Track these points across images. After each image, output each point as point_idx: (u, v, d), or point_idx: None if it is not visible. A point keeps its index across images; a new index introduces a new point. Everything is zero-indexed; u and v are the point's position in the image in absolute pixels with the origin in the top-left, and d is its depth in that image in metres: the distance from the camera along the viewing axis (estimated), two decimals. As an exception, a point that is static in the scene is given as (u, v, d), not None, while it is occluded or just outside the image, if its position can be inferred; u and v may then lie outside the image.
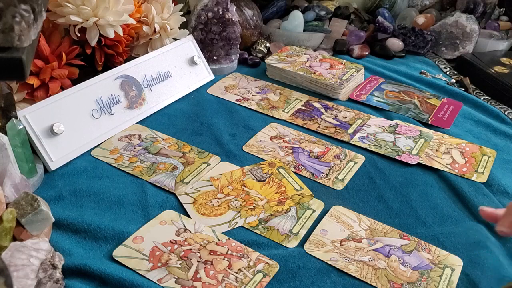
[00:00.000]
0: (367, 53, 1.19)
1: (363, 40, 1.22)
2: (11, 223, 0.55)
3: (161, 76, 0.92)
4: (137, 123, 0.86)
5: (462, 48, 1.22)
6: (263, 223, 0.66)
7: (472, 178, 0.77)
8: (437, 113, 0.95)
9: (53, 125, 0.73)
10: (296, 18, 1.16)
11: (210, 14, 0.99)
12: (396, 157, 0.82)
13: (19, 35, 0.41)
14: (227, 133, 0.86)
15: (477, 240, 0.66)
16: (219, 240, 0.63)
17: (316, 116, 0.92)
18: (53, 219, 0.60)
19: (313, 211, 0.69)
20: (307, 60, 1.06)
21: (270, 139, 0.85)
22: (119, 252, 0.60)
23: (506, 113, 0.99)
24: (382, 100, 0.99)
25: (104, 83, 0.82)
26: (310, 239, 0.64)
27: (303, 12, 1.19)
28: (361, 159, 0.81)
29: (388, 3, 1.32)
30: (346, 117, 0.92)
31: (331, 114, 0.93)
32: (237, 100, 0.96)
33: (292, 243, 0.64)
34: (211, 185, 0.73)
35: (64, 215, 0.64)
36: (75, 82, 0.81)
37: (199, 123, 0.88)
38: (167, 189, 0.71)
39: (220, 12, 0.99)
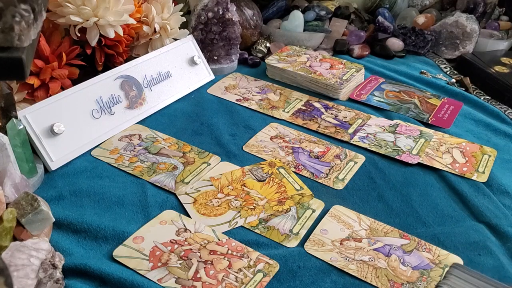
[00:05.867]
0: (367, 53, 1.19)
1: (363, 40, 1.22)
2: (11, 223, 0.55)
3: (161, 76, 0.92)
4: (137, 123, 0.86)
5: (462, 48, 1.22)
6: (263, 223, 0.66)
7: (473, 178, 0.77)
8: (437, 113, 0.95)
9: (53, 125, 0.73)
10: (296, 18, 1.16)
11: (210, 14, 0.99)
12: (396, 157, 0.82)
13: (19, 35, 0.41)
14: (227, 133, 0.86)
15: (477, 240, 0.66)
16: (219, 240, 0.63)
17: (316, 116, 0.92)
18: (53, 219, 0.60)
19: (313, 211, 0.69)
20: (307, 60, 1.06)
21: (270, 139, 0.85)
22: (119, 252, 0.60)
23: (506, 112, 0.99)
24: (382, 100, 0.99)
25: (104, 83, 0.82)
26: (310, 238, 0.64)
27: (303, 12, 1.19)
28: (361, 159, 0.81)
29: (388, 3, 1.32)
30: (346, 117, 0.92)
31: (331, 114, 0.93)
32: (237, 100, 0.96)
33: (292, 243, 0.64)
34: (211, 185, 0.73)
35: (64, 215, 0.64)
36: (75, 82, 0.81)
37: (199, 123, 0.88)
38: (167, 189, 0.71)
39: (220, 12, 0.99)
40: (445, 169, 0.79)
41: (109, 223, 0.64)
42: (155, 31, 0.94)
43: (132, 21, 0.87)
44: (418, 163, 0.81)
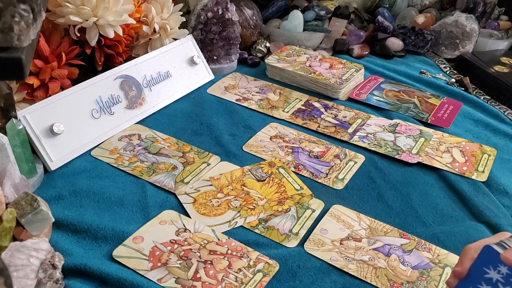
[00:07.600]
0: (367, 52, 1.19)
1: (363, 39, 1.22)
2: (11, 223, 0.55)
3: (161, 76, 0.92)
4: (137, 123, 0.86)
5: (462, 47, 1.22)
6: (263, 223, 0.66)
7: (473, 177, 0.77)
8: (437, 113, 0.95)
9: (53, 125, 0.73)
10: (296, 18, 1.16)
11: (209, 14, 0.99)
12: (396, 157, 0.82)
13: (19, 35, 0.41)
14: (227, 133, 0.86)
15: (477, 239, 0.66)
16: (219, 239, 0.63)
17: (316, 116, 0.92)
18: (53, 219, 0.60)
19: (313, 210, 0.69)
20: (307, 60, 1.06)
21: (270, 138, 0.85)
22: (119, 252, 0.60)
23: (505, 113, 0.99)
24: (381, 99, 0.99)
25: (104, 83, 0.82)
26: (310, 238, 0.64)
27: (303, 11, 1.19)
28: (361, 158, 0.81)
29: (388, 2, 1.32)
30: (346, 117, 0.92)
31: (331, 113, 0.93)
32: (237, 100, 0.96)
33: (292, 243, 0.64)
34: (211, 185, 0.73)
35: (64, 215, 0.64)
36: (75, 82, 0.81)
37: (199, 123, 0.88)
38: (167, 189, 0.71)
39: (220, 12, 0.99)
40: (445, 168, 0.79)
41: (109, 223, 0.64)
42: (154, 31, 0.94)
43: (131, 21, 0.87)
44: (418, 162, 0.81)
